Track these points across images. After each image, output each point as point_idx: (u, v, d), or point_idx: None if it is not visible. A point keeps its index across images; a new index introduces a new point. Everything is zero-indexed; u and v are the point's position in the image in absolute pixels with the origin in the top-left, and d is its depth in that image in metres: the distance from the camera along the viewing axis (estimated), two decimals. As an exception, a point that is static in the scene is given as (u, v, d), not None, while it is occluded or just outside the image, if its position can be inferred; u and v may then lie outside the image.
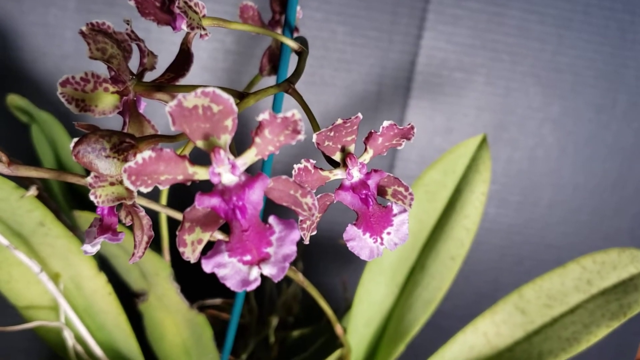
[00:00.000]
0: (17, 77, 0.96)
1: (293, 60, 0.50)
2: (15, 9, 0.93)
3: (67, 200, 0.77)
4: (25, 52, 0.96)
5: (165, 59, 0.48)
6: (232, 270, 0.31)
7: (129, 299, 0.70)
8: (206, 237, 0.33)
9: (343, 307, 0.89)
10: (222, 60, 0.99)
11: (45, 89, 0.96)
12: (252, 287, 0.31)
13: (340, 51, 1.01)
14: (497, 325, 0.69)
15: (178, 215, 0.52)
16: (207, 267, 0.31)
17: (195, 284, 0.76)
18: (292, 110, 0.30)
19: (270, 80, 0.63)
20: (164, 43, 0.95)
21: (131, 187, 0.29)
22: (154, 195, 0.59)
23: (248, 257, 0.31)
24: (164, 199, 0.69)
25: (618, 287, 0.65)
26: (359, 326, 0.71)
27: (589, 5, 1.01)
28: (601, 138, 1.07)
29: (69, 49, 0.96)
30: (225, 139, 0.31)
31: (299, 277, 0.56)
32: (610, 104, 1.06)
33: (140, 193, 0.45)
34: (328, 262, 1.10)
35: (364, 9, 0.99)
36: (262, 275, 0.32)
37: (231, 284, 0.31)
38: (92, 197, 0.34)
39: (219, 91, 0.29)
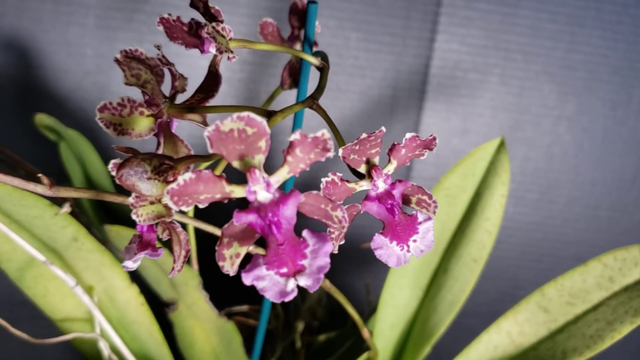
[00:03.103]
0: (41, 95, 0.98)
1: (313, 72, 0.52)
2: (36, 28, 0.96)
3: (97, 215, 0.80)
4: (47, 70, 0.98)
5: (191, 76, 0.50)
6: (270, 283, 0.33)
7: (160, 308, 0.72)
8: (244, 251, 0.34)
9: (367, 310, 0.90)
10: (239, 71, 1.01)
11: (69, 106, 0.99)
12: (289, 298, 0.33)
13: (354, 57, 1.02)
14: (520, 325, 0.70)
15: (207, 227, 0.54)
16: (247, 280, 0.33)
17: (223, 291, 0.78)
18: (322, 130, 0.32)
19: (291, 94, 0.65)
20: (190, 60, 0.97)
21: (174, 207, 0.31)
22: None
23: (285, 270, 0.33)
24: (191, 210, 0.71)
25: (640, 283, 0.65)
26: (385, 329, 0.72)
27: (601, 1, 1.01)
28: (618, 134, 1.08)
29: (90, 66, 0.98)
30: (259, 158, 0.32)
31: (326, 284, 0.57)
32: (625, 100, 1.06)
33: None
34: (350, 265, 1.12)
35: (377, 14, 1.01)
36: (298, 288, 0.34)
37: (270, 295, 0.33)
38: (134, 217, 0.36)
39: (253, 115, 0.30)
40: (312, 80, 0.52)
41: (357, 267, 1.12)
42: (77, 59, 0.98)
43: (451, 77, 1.05)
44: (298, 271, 0.33)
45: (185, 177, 0.31)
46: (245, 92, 1.02)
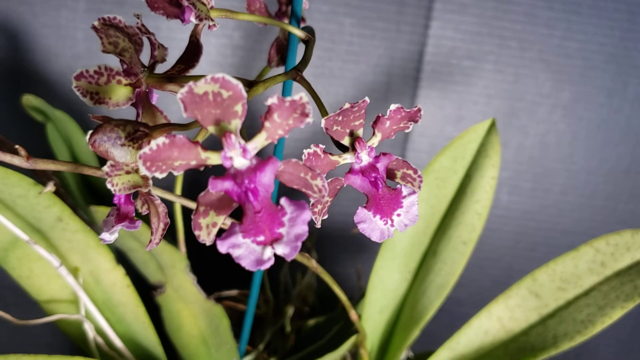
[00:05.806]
0: (31, 77, 0.97)
1: (300, 50, 0.51)
2: (27, 11, 0.95)
3: (83, 196, 0.79)
4: (38, 53, 0.97)
5: (176, 52, 0.49)
6: (247, 251, 0.32)
7: (147, 291, 0.72)
8: (220, 220, 0.34)
9: (358, 296, 0.90)
10: (230, 56, 1.00)
11: (59, 88, 0.98)
12: (266, 266, 0.32)
13: (348, 43, 1.01)
14: (511, 310, 0.69)
15: (193, 205, 0.53)
16: (222, 248, 0.32)
17: (212, 275, 0.77)
18: (299, 94, 0.31)
19: (279, 71, 0.64)
20: (174, 40, 0.96)
21: (146, 173, 0.30)
22: (169, 188, 0.60)
23: (261, 238, 0.32)
24: (178, 189, 0.70)
25: (632, 268, 0.65)
26: (374, 313, 0.71)
27: (597, -11, 1.00)
28: (613, 122, 1.07)
29: (81, 50, 0.98)
30: (236, 123, 0.31)
31: (312, 264, 0.56)
32: (621, 88, 1.05)
33: (155, 183, 0.46)
34: (342, 252, 1.11)
35: (371, 0, 1.00)
36: (276, 257, 0.33)
37: (246, 263, 0.32)
38: (109, 185, 0.35)
39: (228, 77, 0.29)
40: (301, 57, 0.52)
41: (350, 254, 1.12)
42: (67, 42, 0.97)
43: (445, 64, 1.04)
44: (275, 239, 0.32)
45: (158, 141, 0.30)
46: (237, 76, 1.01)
